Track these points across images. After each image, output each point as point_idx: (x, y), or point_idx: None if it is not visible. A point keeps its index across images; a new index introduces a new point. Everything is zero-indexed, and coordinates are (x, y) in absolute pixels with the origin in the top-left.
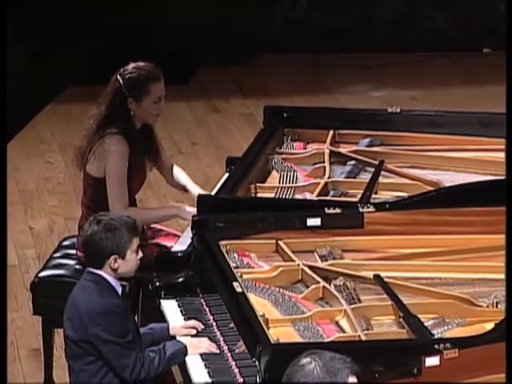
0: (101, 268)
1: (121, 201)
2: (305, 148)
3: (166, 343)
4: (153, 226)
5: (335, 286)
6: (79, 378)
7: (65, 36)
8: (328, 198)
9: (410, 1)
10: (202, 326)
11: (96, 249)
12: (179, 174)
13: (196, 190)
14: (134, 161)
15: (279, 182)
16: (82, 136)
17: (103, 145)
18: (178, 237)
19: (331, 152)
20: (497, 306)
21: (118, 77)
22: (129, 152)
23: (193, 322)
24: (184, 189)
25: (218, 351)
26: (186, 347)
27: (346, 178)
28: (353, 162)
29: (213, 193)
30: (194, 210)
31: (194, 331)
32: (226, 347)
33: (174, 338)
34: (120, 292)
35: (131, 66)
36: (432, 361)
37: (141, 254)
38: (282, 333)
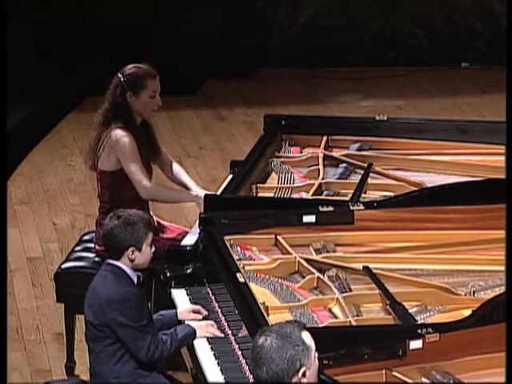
0: (119, 259)
1: (143, 179)
2: (301, 152)
3: (177, 327)
4: (162, 222)
5: (328, 277)
6: (98, 359)
7: (84, 51)
8: (322, 197)
9: (395, 20)
10: (206, 312)
11: (116, 241)
12: (180, 173)
13: (196, 187)
14: (138, 151)
15: (278, 183)
16: (91, 137)
17: (110, 138)
18: (186, 232)
19: (325, 156)
20: (474, 295)
21: (119, 74)
22: (135, 142)
23: (197, 306)
24: (185, 186)
25: (222, 335)
26: (195, 330)
27: (338, 179)
28: (344, 165)
29: (218, 193)
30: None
31: (200, 317)
32: (230, 332)
33: (181, 322)
34: (135, 281)
35: (130, 65)
36: (415, 344)
37: (153, 249)
38: (280, 319)
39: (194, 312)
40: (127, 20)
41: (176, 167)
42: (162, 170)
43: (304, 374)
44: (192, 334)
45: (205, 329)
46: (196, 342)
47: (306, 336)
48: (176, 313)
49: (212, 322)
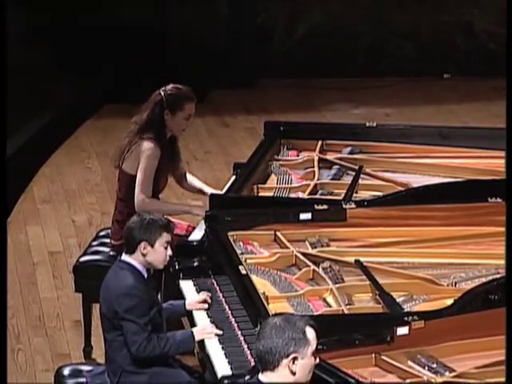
0: (133, 253)
1: (145, 191)
2: (298, 155)
3: (176, 332)
4: (172, 219)
5: (323, 269)
6: (113, 347)
7: (99, 64)
8: (317, 196)
9: (383, 34)
10: (210, 301)
11: (131, 235)
12: (193, 180)
13: (211, 190)
14: (162, 163)
15: (277, 184)
16: (123, 137)
17: (140, 146)
18: (193, 228)
19: (319, 159)
20: (455, 285)
21: (161, 92)
22: (160, 155)
23: (203, 296)
24: (200, 191)
25: (220, 332)
26: (192, 333)
27: (331, 180)
28: (337, 167)
29: (222, 192)
30: (202, 209)
31: (206, 306)
32: (233, 319)
33: (189, 312)
34: (146, 277)
35: (172, 85)
36: (402, 330)
37: (170, 252)
38: (279, 307)
39: (201, 302)
40: (130, 21)
41: (189, 176)
42: (179, 182)
43: (294, 361)
44: (190, 336)
45: (201, 331)
46: None
47: (310, 331)
48: (184, 304)
49: (205, 325)
